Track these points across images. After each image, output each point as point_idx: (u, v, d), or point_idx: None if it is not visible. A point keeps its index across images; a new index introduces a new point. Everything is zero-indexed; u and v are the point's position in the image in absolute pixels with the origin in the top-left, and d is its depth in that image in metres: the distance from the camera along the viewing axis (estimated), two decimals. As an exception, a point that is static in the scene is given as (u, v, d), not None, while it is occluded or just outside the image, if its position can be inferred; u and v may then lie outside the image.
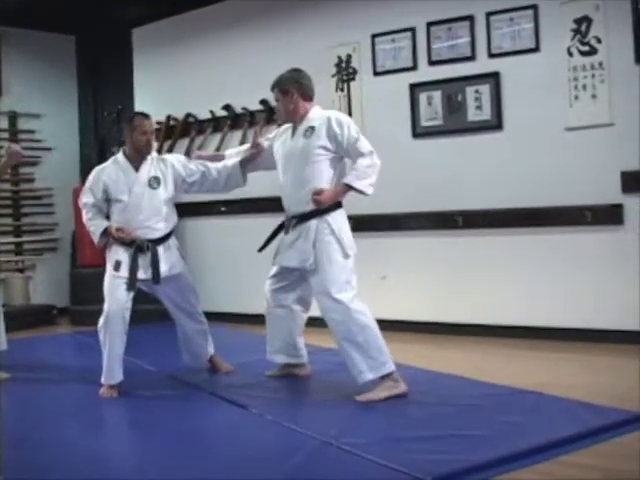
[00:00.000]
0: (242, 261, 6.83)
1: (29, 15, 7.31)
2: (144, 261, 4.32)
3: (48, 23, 7.73)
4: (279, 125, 4.55)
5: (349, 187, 3.94)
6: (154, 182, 4.38)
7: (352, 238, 4.04)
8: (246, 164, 4.42)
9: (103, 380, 4.25)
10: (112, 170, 4.39)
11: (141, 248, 4.31)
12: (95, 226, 4.37)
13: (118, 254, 4.31)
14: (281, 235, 4.22)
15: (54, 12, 7.29)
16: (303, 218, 3.99)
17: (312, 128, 3.99)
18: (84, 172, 8.23)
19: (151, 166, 4.41)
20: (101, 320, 4.28)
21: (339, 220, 4.01)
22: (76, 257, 7.66)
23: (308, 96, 4.12)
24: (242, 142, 6.84)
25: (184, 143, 7.37)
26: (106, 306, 4.26)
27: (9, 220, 7.78)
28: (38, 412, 4.03)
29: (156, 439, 3.43)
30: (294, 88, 4.06)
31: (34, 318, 7.32)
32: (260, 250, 4.29)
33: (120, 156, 4.44)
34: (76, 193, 7.51)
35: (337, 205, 4.02)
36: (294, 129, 4.12)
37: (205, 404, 4.02)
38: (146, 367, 4.93)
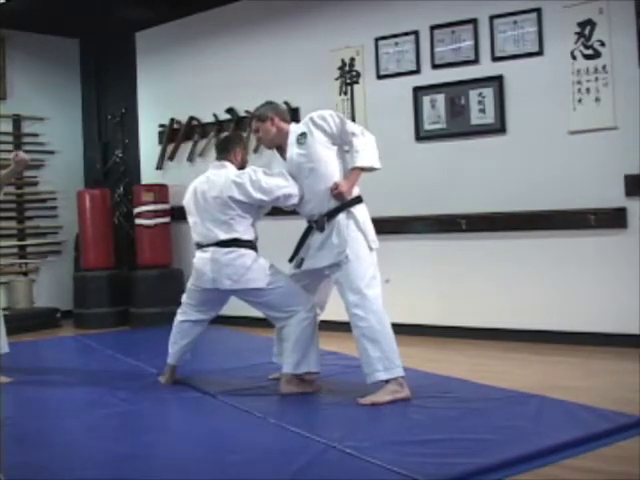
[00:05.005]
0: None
1: (33, 18, 7.33)
2: None
3: (52, 26, 7.75)
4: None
5: (360, 169, 3.99)
6: None
7: (374, 232, 4.07)
8: None
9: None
10: None
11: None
12: None
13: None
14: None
15: (58, 15, 7.31)
16: (330, 215, 4.01)
17: (303, 134, 4.06)
18: (88, 175, 8.28)
19: None
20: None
21: (362, 214, 4.06)
22: (80, 260, 7.67)
23: (285, 119, 4.23)
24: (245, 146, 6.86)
25: (187, 146, 7.39)
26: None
27: (13, 223, 7.78)
28: (40, 413, 4.03)
29: (158, 441, 3.43)
30: (272, 113, 4.18)
31: (38, 321, 7.33)
32: (291, 260, 4.26)
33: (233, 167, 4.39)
34: (80, 196, 7.53)
35: (358, 200, 4.07)
36: (279, 149, 4.20)
37: (208, 407, 4.01)
38: (149, 370, 4.92)
